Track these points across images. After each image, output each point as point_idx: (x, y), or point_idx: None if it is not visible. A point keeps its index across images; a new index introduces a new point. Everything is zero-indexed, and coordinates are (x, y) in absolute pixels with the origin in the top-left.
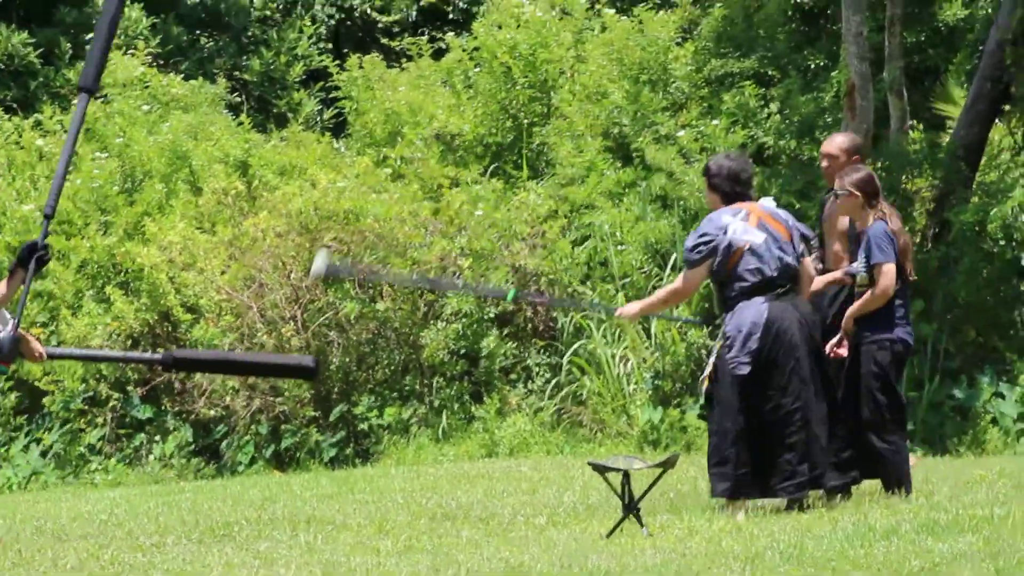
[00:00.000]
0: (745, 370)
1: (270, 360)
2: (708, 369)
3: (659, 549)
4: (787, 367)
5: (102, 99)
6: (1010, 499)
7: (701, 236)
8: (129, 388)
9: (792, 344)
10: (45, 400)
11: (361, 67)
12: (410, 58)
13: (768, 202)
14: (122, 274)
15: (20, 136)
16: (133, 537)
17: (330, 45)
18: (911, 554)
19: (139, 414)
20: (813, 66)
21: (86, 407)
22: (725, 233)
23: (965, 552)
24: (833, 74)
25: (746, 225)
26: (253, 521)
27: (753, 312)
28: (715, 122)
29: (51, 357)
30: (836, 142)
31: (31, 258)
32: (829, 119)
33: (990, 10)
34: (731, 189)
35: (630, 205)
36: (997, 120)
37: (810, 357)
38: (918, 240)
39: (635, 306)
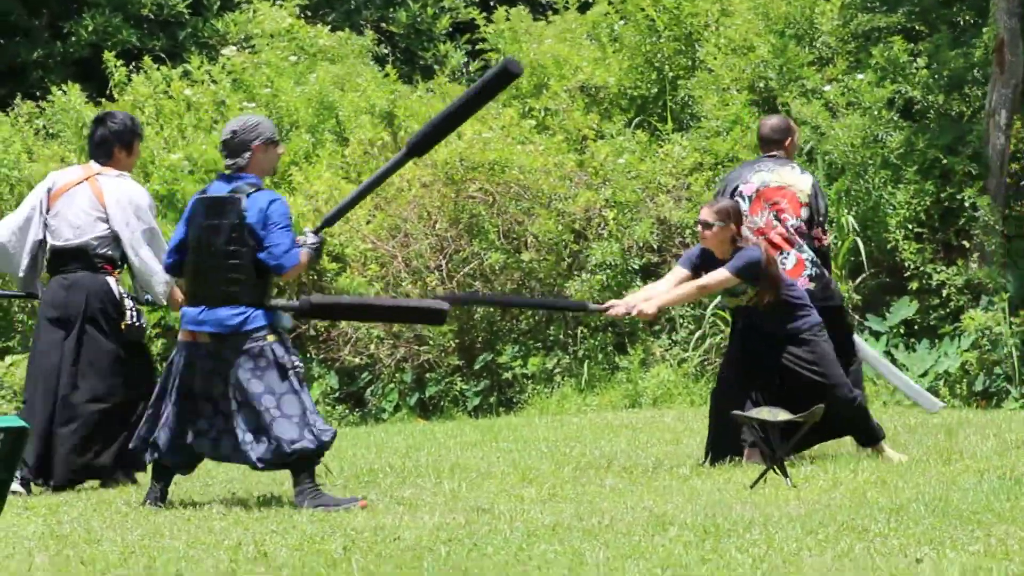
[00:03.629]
0: None
1: (406, 305)
2: None
3: (803, 500)
4: None
5: (249, 49)
6: None
7: None
8: None
9: None
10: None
11: (508, 19)
12: (556, 11)
13: None
14: None
15: (168, 86)
16: (278, 483)
17: None
18: None
19: None
20: (962, 21)
21: None
22: None
23: None
24: (983, 29)
25: None
26: (397, 468)
27: None
28: (861, 76)
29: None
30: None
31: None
32: (979, 74)
33: None
34: None
35: None
36: None
37: None
38: None
39: None
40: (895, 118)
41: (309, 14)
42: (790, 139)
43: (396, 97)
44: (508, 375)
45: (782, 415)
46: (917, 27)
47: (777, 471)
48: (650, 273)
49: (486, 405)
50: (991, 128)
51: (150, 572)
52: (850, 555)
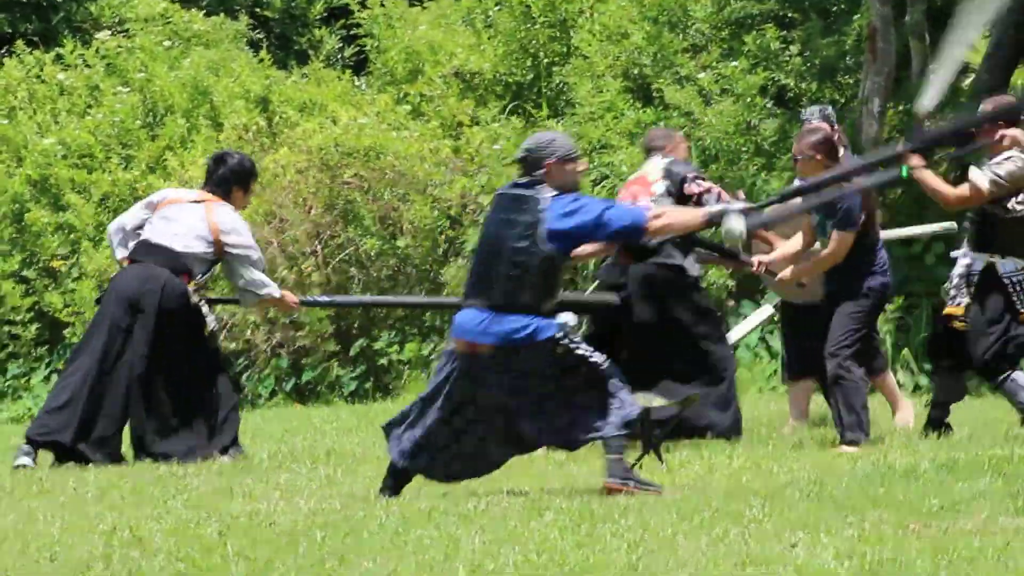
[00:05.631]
0: None
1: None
2: None
3: (678, 485)
4: None
5: (123, 34)
6: None
7: None
8: None
9: None
10: (66, 332)
11: (382, 4)
12: None
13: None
14: None
15: (41, 70)
16: (154, 468)
17: None
18: (930, 493)
19: None
20: (835, 9)
21: None
22: None
23: (984, 491)
24: (855, 17)
25: None
26: (273, 454)
27: None
28: (735, 64)
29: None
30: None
31: None
32: (851, 62)
33: None
34: None
35: None
36: (1020, 64)
37: None
38: None
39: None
40: (768, 105)
41: None
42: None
43: (271, 82)
44: (384, 361)
45: (656, 401)
46: (790, 15)
47: (652, 456)
48: None
49: (362, 390)
50: (864, 116)
51: (24, 557)
52: (725, 540)
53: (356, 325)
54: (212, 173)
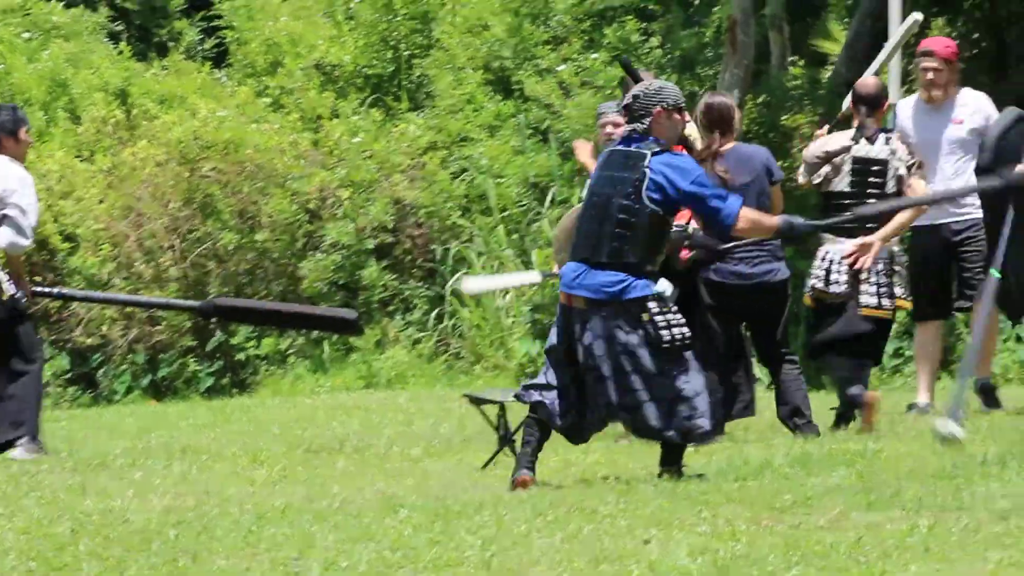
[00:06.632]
0: None
1: (313, 312)
2: None
3: (535, 481)
4: None
5: None
6: (883, 434)
7: None
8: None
9: None
10: None
11: None
12: None
13: None
14: None
15: None
16: (6, 465)
17: None
18: (784, 488)
19: None
20: (696, 1)
21: None
22: None
23: (838, 485)
24: (715, 9)
25: None
26: (128, 450)
27: None
28: (595, 56)
29: (67, 298)
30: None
31: None
32: (710, 54)
33: None
34: None
35: (508, 138)
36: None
37: None
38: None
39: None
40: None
41: None
42: None
43: (130, 75)
44: (241, 356)
45: (513, 396)
46: (651, 7)
47: (508, 453)
48: (384, 253)
49: (219, 386)
50: None
51: None
52: (579, 536)
53: (213, 321)
54: None
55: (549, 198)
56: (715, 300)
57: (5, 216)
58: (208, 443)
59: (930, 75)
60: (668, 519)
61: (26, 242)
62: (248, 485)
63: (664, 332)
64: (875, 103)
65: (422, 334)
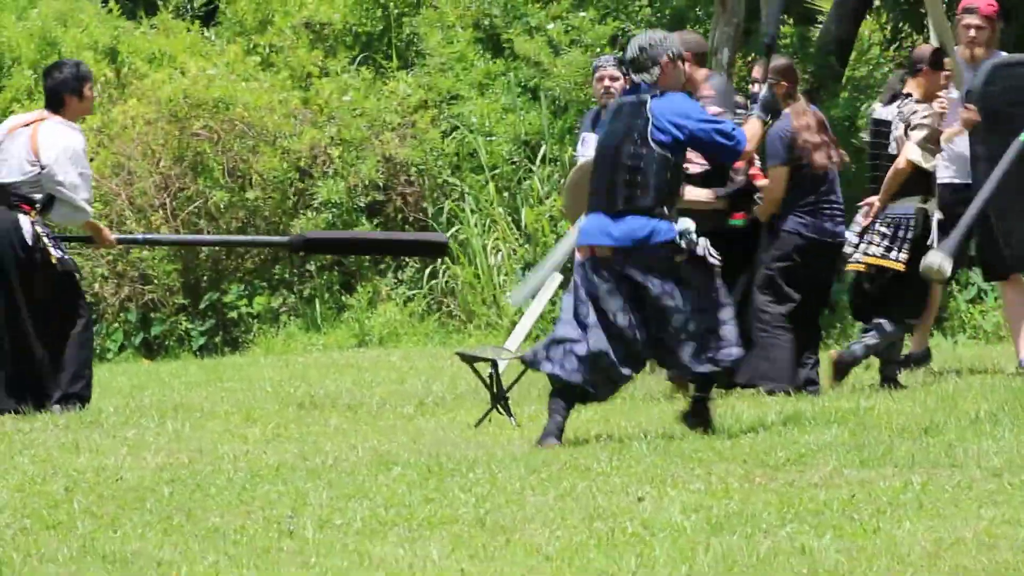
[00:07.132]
0: None
1: (403, 238)
2: None
3: (527, 440)
4: None
5: None
6: (875, 392)
7: None
8: None
9: None
10: None
11: None
12: None
13: None
14: None
15: None
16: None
17: None
18: (777, 445)
19: None
20: None
21: None
22: None
23: (830, 443)
24: None
25: None
26: (121, 408)
27: None
28: (584, 14)
29: (153, 243)
30: None
31: None
32: (700, 12)
33: None
34: None
35: (498, 96)
36: (867, 15)
37: None
38: None
39: None
40: (618, 56)
41: None
42: None
43: (119, 33)
44: (234, 314)
45: (505, 354)
46: None
47: (501, 411)
48: (376, 211)
49: (211, 345)
50: (713, 66)
51: None
52: (573, 494)
53: (205, 279)
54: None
55: (540, 156)
56: (801, 258)
57: (56, 194)
58: (201, 401)
59: (972, 32)
60: (661, 476)
61: (84, 216)
62: (241, 443)
63: (708, 258)
64: (912, 68)
65: (414, 292)
